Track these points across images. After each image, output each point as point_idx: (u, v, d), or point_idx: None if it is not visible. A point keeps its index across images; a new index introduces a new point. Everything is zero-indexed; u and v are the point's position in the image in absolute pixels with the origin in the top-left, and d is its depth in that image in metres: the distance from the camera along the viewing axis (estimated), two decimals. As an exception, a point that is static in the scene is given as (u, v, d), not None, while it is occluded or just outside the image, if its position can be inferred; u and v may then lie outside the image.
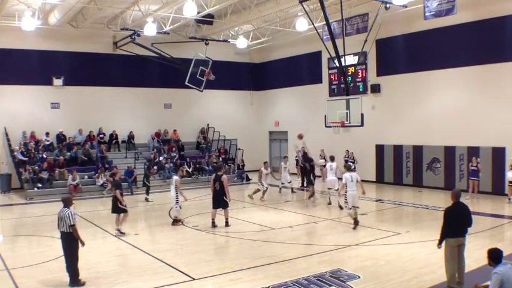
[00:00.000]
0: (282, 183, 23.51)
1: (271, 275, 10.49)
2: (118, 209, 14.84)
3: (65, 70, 27.65)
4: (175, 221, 16.36)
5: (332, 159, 20.13)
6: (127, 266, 11.52)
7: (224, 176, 16.08)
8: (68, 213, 9.89)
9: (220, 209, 16.03)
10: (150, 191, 22.57)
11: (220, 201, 15.93)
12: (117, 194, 14.76)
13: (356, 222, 15.20)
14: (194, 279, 10.34)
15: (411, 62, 24.64)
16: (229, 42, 30.13)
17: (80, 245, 10.08)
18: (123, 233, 14.71)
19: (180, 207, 16.47)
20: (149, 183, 22.75)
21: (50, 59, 27.13)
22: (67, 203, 10.17)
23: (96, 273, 10.89)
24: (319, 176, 20.86)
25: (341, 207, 17.87)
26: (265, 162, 23.05)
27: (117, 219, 15.00)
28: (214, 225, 15.79)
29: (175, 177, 16.63)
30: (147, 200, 22.04)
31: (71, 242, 9.97)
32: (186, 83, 27.48)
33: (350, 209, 15.21)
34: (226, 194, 15.90)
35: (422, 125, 24.00)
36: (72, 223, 9.84)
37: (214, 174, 16.53)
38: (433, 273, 10.16)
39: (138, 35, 25.77)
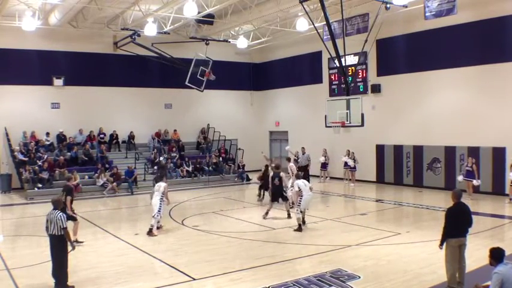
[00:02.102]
0: None
1: (271, 275, 10.48)
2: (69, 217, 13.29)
3: (65, 70, 27.64)
4: (151, 231, 14.91)
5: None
6: (127, 266, 11.49)
7: (282, 173, 17.45)
8: (60, 216, 9.62)
9: (280, 202, 17.57)
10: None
11: (279, 195, 17.36)
12: (67, 201, 13.57)
13: (303, 223, 15.56)
14: (194, 279, 10.33)
15: (412, 62, 24.63)
16: (229, 42, 30.11)
17: (70, 248, 9.84)
18: (80, 242, 13.60)
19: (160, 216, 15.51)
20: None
21: (50, 59, 27.11)
22: (57, 205, 9.91)
23: (97, 273, 10.89)
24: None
25: (289, 216, 17.11)
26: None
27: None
28: (265, 217, 17.08)
29: (163, 184, 15.42)
30: None
31: (61, 246, 9.69)
32: (187, 83, 27.48)
33: (301, 212, 15.41)
34: (284, 188, 17.59)
35: (422, 125, 23.99)
36: (64, 226, 9.58)
37: (273, 172, 17.85)
38: (433, 273, 10.16)
39: (139, 35, 25.77)
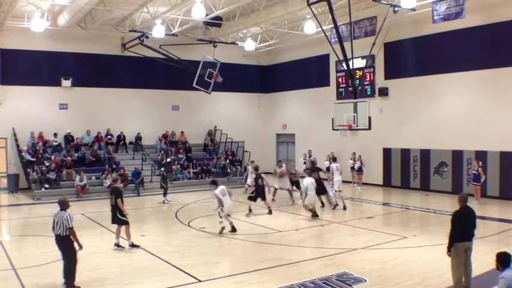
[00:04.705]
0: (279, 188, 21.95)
1: (277, 277, 10.48)
2: None
3: (74, 71, 27.75)
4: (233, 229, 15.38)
5: (335, 159, 21.28)
6: (133, 267, 11.55)
7: (263, 176, 19.12)
8: (66, 216, 9.67)
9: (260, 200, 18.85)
10: (167, 193, 22.41)
11: (260, 195, 18.79)
12: (118, 204, 13.32)
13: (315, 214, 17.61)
14: (200, 281, 10.33)
15: (419, 65, 24.58)
16: (237, 44, 30.09)
17: (77, 248, 9.89)
18: (137, 246, 13.64)
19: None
20: (166, 185, 22.60)
21: (58, 60, 27.24)
22: (64, 206, 9.93)
23: (103, 274, 10.92)
24: (325, 179, 20.58)
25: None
26: (252, 161, 24.94)
27: None
28: (249, 212, 18.62)
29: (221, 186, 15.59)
30: (164, 202, 21.94)
31: (67, 246, 9.76)
32: (194, 85, 27.43)
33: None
34: (267, 189, 19.16)
35: (430, 128, 23.91)
36: (70, 226, 9.63)
37: (255, 174, 19.53)
38: (439, 278, 10.12)
39: (147, 37, 25.81)
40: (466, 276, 9.17)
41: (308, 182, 17.43)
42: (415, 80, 24.72)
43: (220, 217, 15.02)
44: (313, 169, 20.31)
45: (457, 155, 22.77)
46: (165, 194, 22.19)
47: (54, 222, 9.80)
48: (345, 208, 19.55)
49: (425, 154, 24.25)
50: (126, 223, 13.47)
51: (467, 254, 9.18)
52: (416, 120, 24.68)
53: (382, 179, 26.42)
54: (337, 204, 19.68)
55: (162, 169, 25.26)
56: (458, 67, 22.60)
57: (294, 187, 21.48)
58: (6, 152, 26.39)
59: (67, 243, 9.76)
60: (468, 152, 22.25)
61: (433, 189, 23.73)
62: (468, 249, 9.17)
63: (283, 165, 22.36)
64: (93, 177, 25.07)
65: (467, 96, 22.49)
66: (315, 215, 17.49)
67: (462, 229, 9.12)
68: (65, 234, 9.66)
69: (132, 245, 13.40)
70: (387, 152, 26.17)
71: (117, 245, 13.40)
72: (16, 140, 25.97)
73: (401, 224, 17.44)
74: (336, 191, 19.67)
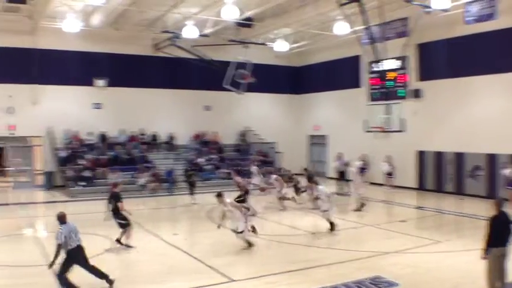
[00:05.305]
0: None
1: (309, 279, 10.48)
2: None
3: (107, 71, 28.19)
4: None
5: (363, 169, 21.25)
6: (166, 266, 11.66)
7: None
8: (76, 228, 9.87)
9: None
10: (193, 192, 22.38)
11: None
12: (121, 206, 13.53)
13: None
14: (233, 280, 10.41)
15: (453, 67, 24.11)
16: (268, 45, 30.05)
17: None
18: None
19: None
20: (192, 185, 22.52)
21: (92, 60, 27.68)
22: (63, 219, 10.05)
23: (135, 271, 11.12)
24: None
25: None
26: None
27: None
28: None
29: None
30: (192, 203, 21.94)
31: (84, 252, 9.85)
32: (225, 85, 27.44)
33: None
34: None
35: (464, 131, 23.48)
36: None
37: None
38: (473, 283, 9.95)
39: (179, 38, 26.01)
40: (501, 282, 9.05)
41: (326, 190, 16.35)
42: (449, 82, 24.29)
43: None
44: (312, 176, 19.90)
45: (492, 159, 22.35)
46: (190, 194, 22.21)
47: (67, 237, 9.75)
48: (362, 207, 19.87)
49: (459, 157, 23.86)
50: (126, 226, 13.48)
51: (502, 259, 9.04)
52: (451, 122, 24.30)
53: (416, 182, 26.09)
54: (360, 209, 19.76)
55: (189, 167, 25.32)
56: (493, 69, 22.12)
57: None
58: (43, 150, 26.95)
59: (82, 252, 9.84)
60: (503, 156, 21.80)
61: (467, 193, 23.29)
62: (504, 254, 9.04)
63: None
64: (127, 176, 25.34)
65: (502, 99, 22.03)
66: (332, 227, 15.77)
67: (498, 234, 8.98)
68: (80, 243, 9.79)
69: (118, 242, 13.35)
70: (421, 155, 25.82)
71: (126, 245, 13.44)
72: (52, 139, 26.50)
73: (434, 228, 17.22)
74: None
